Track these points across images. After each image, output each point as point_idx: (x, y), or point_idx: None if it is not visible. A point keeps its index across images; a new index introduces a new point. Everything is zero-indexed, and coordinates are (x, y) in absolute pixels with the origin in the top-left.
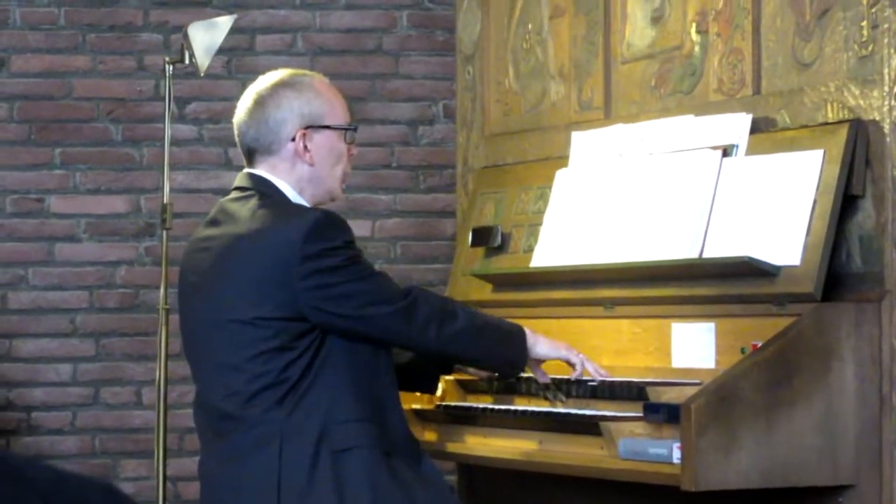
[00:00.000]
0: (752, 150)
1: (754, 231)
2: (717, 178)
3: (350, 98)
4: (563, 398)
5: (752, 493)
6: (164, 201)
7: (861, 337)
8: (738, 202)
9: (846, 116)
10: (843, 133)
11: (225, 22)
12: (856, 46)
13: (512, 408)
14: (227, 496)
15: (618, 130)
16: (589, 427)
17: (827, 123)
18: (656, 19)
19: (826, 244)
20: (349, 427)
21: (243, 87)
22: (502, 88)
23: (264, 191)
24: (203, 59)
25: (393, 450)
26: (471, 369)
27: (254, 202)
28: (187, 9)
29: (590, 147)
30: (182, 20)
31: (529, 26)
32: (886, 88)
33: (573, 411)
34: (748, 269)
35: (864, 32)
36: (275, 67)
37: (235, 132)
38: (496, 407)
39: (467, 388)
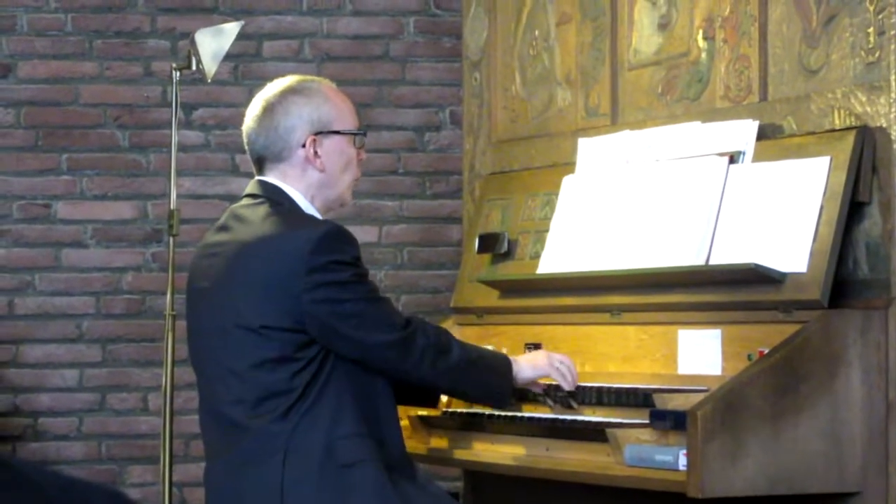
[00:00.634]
0: (758, 156)
1: (761, 238)
2: (724, 184)
3: (357, 104)
4: (563, 404)
5: (759, 500)
6: (171, 207)
7: (867, 344)
8: (744, 209)
9: (853, 123)
10: (849, 140)
11: (232, 28)
12: (862, 53)
13: (518, 414)
14: None
15: (624, 137)
16: (595, 434)
17: (834, 130)
18: (663, 26)
19: (833, 251)
20: (353, 441)
21: (250, 93)
22: (509, 95)
23: (275, 198)
24: (210, 65)
25: (391, 464)
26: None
27: (264, 209)
28: (194, 15)
29: (596, 153)
30: (189, 26)
31: (536, 33)
32: (893, 95)
33: (579, 418)
34: (755, 276)
35: (871, 39)
36: (282, 74)
37: (245, 140)
38: (502, 413)
39: None
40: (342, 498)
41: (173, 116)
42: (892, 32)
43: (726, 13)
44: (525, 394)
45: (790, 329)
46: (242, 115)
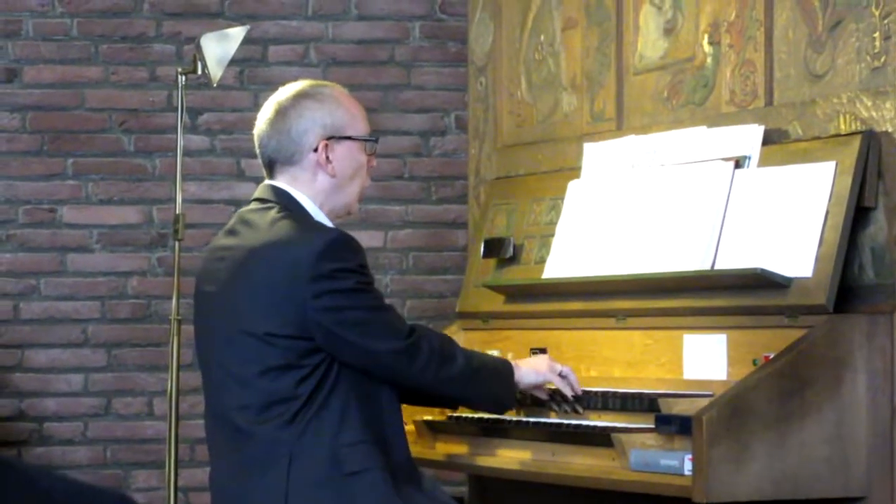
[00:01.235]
0: (764, 161)
1: (766, 242)
2: (730, 189)
3: None
4: (568, 409)
5: None
6: (177, 212)
7: (873, 349)
8: (750, 214)
9: (858, 128)
10: (855, 144)
11: (237, 33)
12: (868, 58)
13: (524, 419)
14: None
15: (630, 142)
16: (600, 438)
17: (839, 135)
18: (669, 31)
19: (838, 256)
20: (358, 449)
21: (256, 97)
22: (514, 99)
23: (284, 203)
24: (216, 69)
25: (396, 471)
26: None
27: (272, 214)
28: (200, 20)
29: (602, 158)
30: (195, 31)
31: (542, 37)
32: None
33: (584, 423)
34: (760, 281)
35: (877, 44)
36: (287, 78)
37: (256, 143)
38: (508, 418)
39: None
40: None
41: (179, 121)
42: None
43: (732, 18)
44: (531, 399)
45: (795, 334)
46: (248, 120)
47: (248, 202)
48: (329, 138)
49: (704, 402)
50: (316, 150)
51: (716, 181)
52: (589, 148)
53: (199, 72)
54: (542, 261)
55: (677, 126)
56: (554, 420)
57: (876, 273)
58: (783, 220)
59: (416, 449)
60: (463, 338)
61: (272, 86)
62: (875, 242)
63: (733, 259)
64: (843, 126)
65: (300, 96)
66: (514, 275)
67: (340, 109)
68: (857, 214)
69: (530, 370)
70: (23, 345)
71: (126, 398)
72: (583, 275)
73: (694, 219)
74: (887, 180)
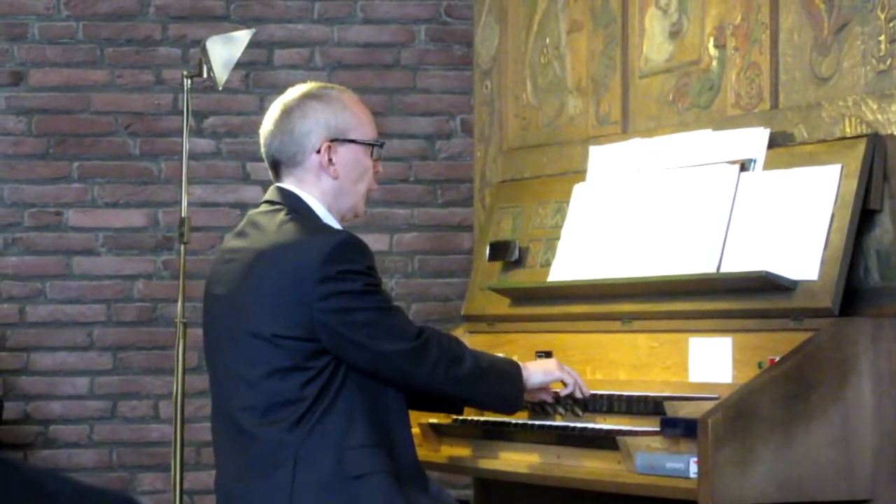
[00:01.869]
0: (769, 164)
1: (772, 245)
2: (735, 192)
3: None
4: (563, 411)
5: None
6: (182, 215)
7: (878, 352)
8: (755, 217)
9: (864, 131)
10: (860, 147)
11: (243, 36)
12: (874, 61)
13: (529, 422)
14: None
15: (635, 145)
16: (606, 441)
17: (845, 138)
18: (674, 34)
19: (844, 259)
20: (363, 452)
21: (261, 101)
22: (520, 103)
23: (293, 206)
24: (221, 73)
25: (402, 475)
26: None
27: (281, 216)
28: (205, 23)
29: (607, 161)
30: (200, 34)
31: (547, 41)
32: None
33: (590, 425)
34: (765, 284)
35: (882, 47)
36: (293, 82)
37: (261, 143)
38: (513, 421)
39: None
40: None
41: (184, 124)
42: None
43: (737, 21)
44: (535, 403)
45: (801, 337)
46: (253, 123)
47: (258, 204)
48: (332, 140)
49: (710, 404)
50: (318, 151)
51: (721, 184)
52: (594, 151)
53: (205, 75)
54: (547, 264)
55: (683, 129)
56: (559, 423)
57: (881, 276)
58: (788, 223)
59: (422, 452)
60: (468, 341)
61: (278, 89)
62: (880, 245)
63: (739, 262)
64: (848, 129)
65: (306, 97)
66: (520, 278)
67: (346, 112)
68: (863, 217)
69: (538, 370)
70: (29, 348)
71: (132, 401)
72: (588, 278)
73: (699, 222)
74: (893, 183)
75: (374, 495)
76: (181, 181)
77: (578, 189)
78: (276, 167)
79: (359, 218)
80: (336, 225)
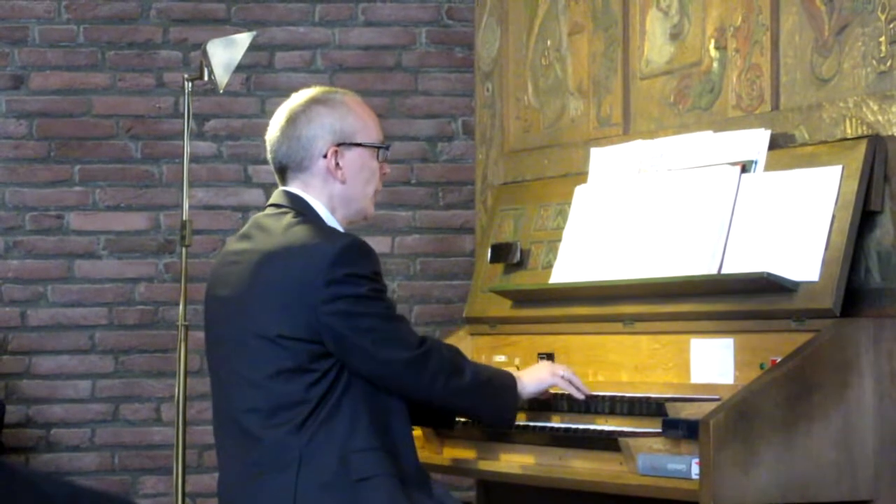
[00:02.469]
0: (770, 165)
1: (773, 247)
2: (736, 193)
3: None
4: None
5: None
6: (184, 218)
7: (880, 353)
8: (756, 218)
9: (865, 132)
10: (861, 149)
11: (244, 39)
12: (874, 62)
13: (531, 423)
14: None
15: (637, 146)
16: (608, 443)
17: (845, 139)
18: (675, 35)
19: (845, 260)
20: (368, 455)
21: (262, 104)
22: (521, 105)
23: (299, 209)
24: (222, 75)
25: (405, 478)
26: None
27: (288, 219)
28: (206, 26)
29: (609, 163)
30: (201, 37)
31: (548, 43)
32: None
33: (592, 427)
34: (767, 285)
35: (883, 48)
36: (294, 84)
37: (268, 149)
38: (516, 423)
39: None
40: None
41: (185, 127)
42: None
43: (738, 23)
44: (537, 404)
45: (802, 338)
46: (255, 126)
47: (264, 208)
48: (339, 144)
49: (712, 406)
50: (325, 156)
51: (722, 185)
52: (596, 153)
53: (206, 78)
54: (549, 266)
55: (684, 131)
56: (561, 424)
57: (882, 277)
58: (790, 225)
59: (424, 454)
60: (470, 343)
61: (279, 92)
62: (881, 246)
63: (740, 263)
64: (849, 130)
65: (312, 102)
66: (522, 280)
67: (351, 116)
68: (864, 218)
69: (532, 381)
70: (30, 351)
71: (133, 404)
72: (590, 279)
73: (701, 223)
74: (893, 184)
75: (378, 498)
76: (182, 184)
77: (580, 191)
78: (283, 172)
79: (367, 220)
80: (340, 229)
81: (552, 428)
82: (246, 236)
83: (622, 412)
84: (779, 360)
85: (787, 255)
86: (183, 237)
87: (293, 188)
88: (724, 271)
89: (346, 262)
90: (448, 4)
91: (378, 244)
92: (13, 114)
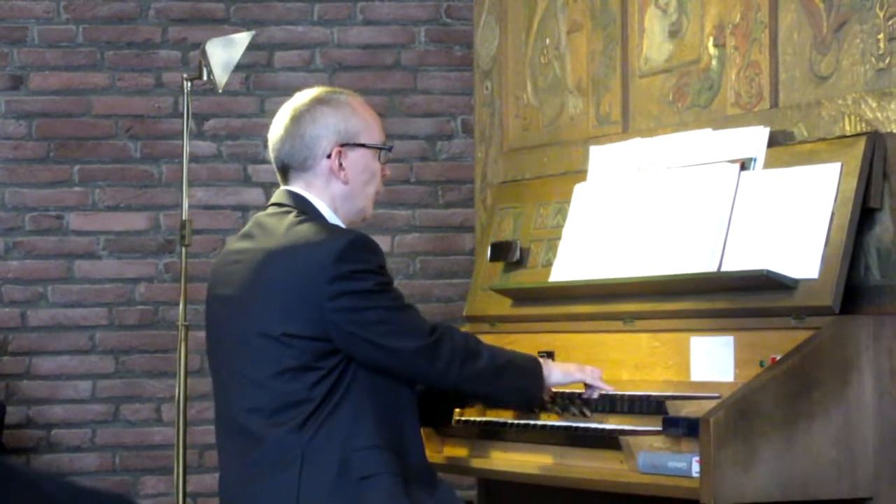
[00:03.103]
0: (769, 163)
1: (772, 244)
2: (735, 191)
3: None
4: (576, 411)
5: None
6: (184, 218)
7: (880, 350)
8: (756, 215)
9: (863, 129)
10: (860, 146)
11: (243, 38)
12: (873, 59)
13: (532, 422)
14: None
15: (636, 144)
16: (608, 441)
17: (844, 136)
18: (673, 33)
19: (844, 257)
20: (370, 454)
21: (262, 103)
22: (520, 103)
23: (301, 208)
24: (221, 75)
25: (411, 477)
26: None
27: (290, 218)
28: (205, 25)
29: (608, 161)
30: (200, 37)
31: (547, 41)
32: None
33: (593, 425)
34: (766, 283)
35: (882, 45)
36: (293, 84)
37: (270, 147)
38: (516, 421)
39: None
40: None
41: (185, 127)
42: None
43: (737, 20)
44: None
45: (802, 335)
46: (254, 126)
47: (265, 207)
48: (343, 145)
49: (712, 404)
50: (329, 156)
51: (722, 183)
52: (595, 151)
53: (205, 77)
54: (548, 264)
55: (683, 128)
56: (562, 423)
57: (882, 274)
58: (789, 222)
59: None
60: None
61: (278, 91)
62: (881, 243)
63: (740, 261)
64: (848, 127)
65: (316, 102)
66: (521, 278)
67: (355, 117)
68: (863, 215)
69: (560, 370)
70: (30, 352)
71: (134, 404)
72: (590, 278)
73: (700, 221)
74: (892, 181)
75: (380, 496)
76: (182, 184)
77: (579, 189)
78: (285, 171)
79: (367, 221)
80: (343, 227)
81: (553, 427)
82: (248, 235)
83: (622, 410)
84: (779, 357)
85: (787, 252)
86: (183, 237)
87: (295, 187)
88: (723, 269)
89: (350, 259)
90: (447, 3)
91: (378, 243)
92: (12, 114)
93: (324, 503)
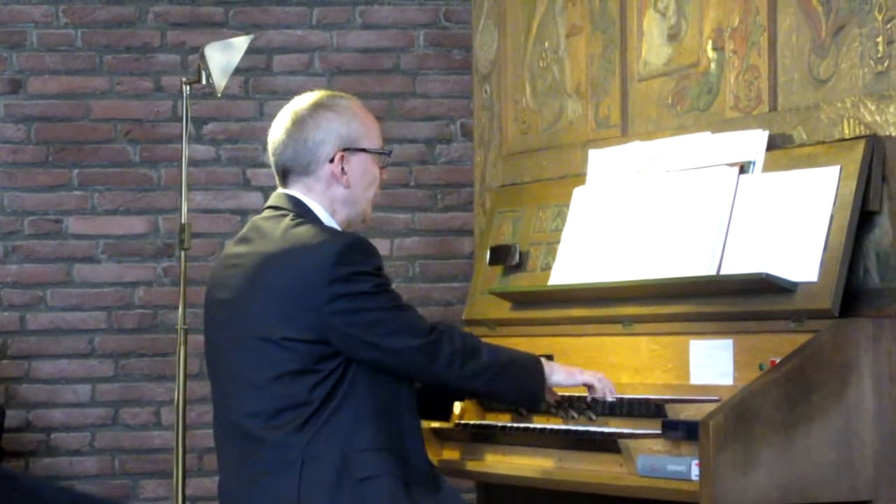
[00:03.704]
0: (768, 166)
1: (771, 247)
2: (734, 194)
3: None
4: (576, 415)
5: None
6: (182, 221)
7: (879, 352)
8: (755, 219)
9: (862, 132)
10: (859, 149)
11: (241, 42)
12: (871, 62)
13: (531, 425)
14: None
15: (635, 148)
16: (608, 444)
17: (843, 139)
18: (672, 37)
19: (843, 260)
20: (370, 455)
21: (261, 107)
22: (519, 107)
23: (298, 211)
24: (220, 79)
25: (412, 479)
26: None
27: (287, 222)
28: (204, 29)
29: (607, 165)
30: (199, 41)
31: (546, 44)
32: None
33: (592, 429)
34: (766, 286)
35: (880, 48)
36: (292, 87)
37: (270, 151)
38: (515, 425)
39: (486, 405)
40: None
41: (184, 131)
42: None
43: (735, 24)
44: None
45: (801, 338)
46: (253, 129)
47: (262, 210)
48: (345, 150)
49: (711, 407)
50: (332, 160)
51: (721, 186)
52: (594, 154)
53: (204, 81)
54: (547, 267)
55: (682, 132)
56: (562, 426)
57: (881, 277)
58: (788, 225)
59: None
60: None
61: (277, 95)
62: (880, 246)
63: (739, 264)
64: (847, 130)
65: (318, 106)
66: (521, 282)
67: (356, 121)
68: (862, 218)
69: (563, 371)
70: (30, 356)
71: (133, 408)
72: (589, 281)
73: (699, 224)
74: (891, 184)
75: (381, 498)
76: (181, 188)
77: (578, 192)
78: (286, 175)
79: (366, 223)
80: (341, 230)
81: (552, 430)
82: (245, 239)
83: (622, 414)
84: (778, 360)
85: (786, 255)
86: (182, 241)
87: (294, 191)
88: (722, 272)
89: (347, 261)
90: (446, 7)
91: (377, 246)
92: (11, 118)
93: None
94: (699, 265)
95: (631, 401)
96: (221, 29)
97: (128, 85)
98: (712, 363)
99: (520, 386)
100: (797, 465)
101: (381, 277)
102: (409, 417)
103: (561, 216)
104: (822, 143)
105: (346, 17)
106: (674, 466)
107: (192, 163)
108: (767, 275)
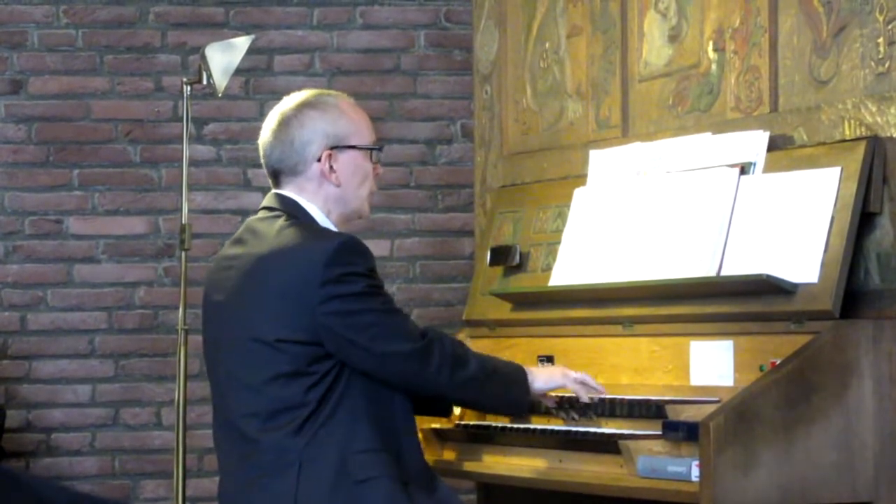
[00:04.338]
0: (769, 167)
1: (772, 248)
2: (735, 195)
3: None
4: (576, 416)
5: None
6: (183, 222)
7: (879, 354)
8: (755, 220)
9: (863, 133)
10: (860, 150)
11: (242, 43)
12: (872, 63)
13: (530, 426)
14: None
15: (635, 149)
16: (608, 445)
17: (844, 140)
18: (673, 37)
19: (844, 261)
20: (367, 457)
21: (261, 107)
22: (520, 107)
23: (291, 212)
24: (221, 79)
25: (409, 479)
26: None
27: (280, 222)
28: (205, 30)
29: (608, 165)
30: (199, 41)
31: (547, 45)
32: None
33: (592, 429)
34: (766, 287)
35: (881, 49)
36: (293, 88)
37: (260, 153)
38: (514, 425)
39: None
40: None
41: (184, 131)
42: None
43: (736, 24)
44: (537, 407)
45: (802, 340)
46: (254, 130)
47: (256, 211)
48: (332, 148)
49: (711, 408)
50: (319, 159)
51: (721, 187)
52: (594, 155)
53: (205, 82)
54: (548, 268)
55: (682, 133)
56: (562, 427)
57: (882, 278)
58: (789, 226)
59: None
60: (470, 346)
61: (278, 95)
62: (880, 248)
63: (739, 265)
64: (847, 132)
65: (303, 106)
66: (521, 282)
67: (343, 119)
68: (863, 220)
69: (543, 377)
70: (30, 356)
71: (134, 408)
72: (589, 282)
73: (700, 225)
74: (892, 185)
75: (378, 499)
76: (182, 188)
77: (579, 193)
78: (277, 176)
79: (363, 220)
80: (335, 230)
81: (552, 431)
82: (239, 241)
83: (622, 414)
84: (778, 361)
85: (787, 256)
86: (182, 241)
87: (287, 191)
88: (723, 273)
89: (340, 262)
90: (446, 7)
91: (377, 247)
92: (12, 118)
93: None
94: (700, 266)
95: (631, 402)
96: (222, 29)
97: (128, 85)
98: (713, 364)
99: (504, 395)
100: (797, 466)
101: (373, 279)
102: (402, 417)
103: (561, 217)
104: (823, 144)
105: (346, 17)
106: (674, 467)
107: (193, 163)
108: (768, 276)
